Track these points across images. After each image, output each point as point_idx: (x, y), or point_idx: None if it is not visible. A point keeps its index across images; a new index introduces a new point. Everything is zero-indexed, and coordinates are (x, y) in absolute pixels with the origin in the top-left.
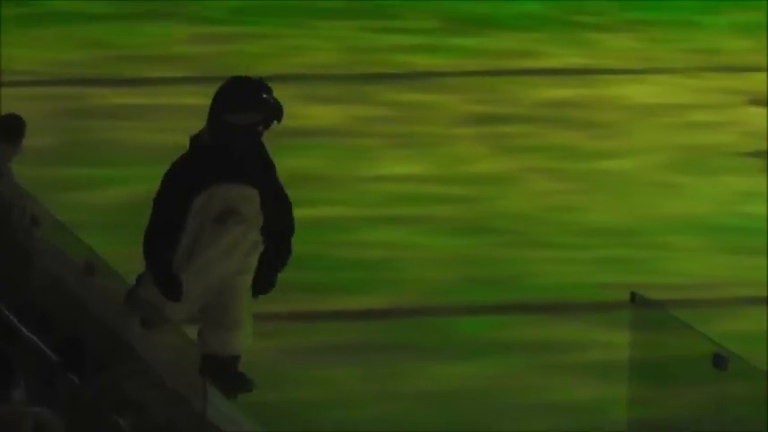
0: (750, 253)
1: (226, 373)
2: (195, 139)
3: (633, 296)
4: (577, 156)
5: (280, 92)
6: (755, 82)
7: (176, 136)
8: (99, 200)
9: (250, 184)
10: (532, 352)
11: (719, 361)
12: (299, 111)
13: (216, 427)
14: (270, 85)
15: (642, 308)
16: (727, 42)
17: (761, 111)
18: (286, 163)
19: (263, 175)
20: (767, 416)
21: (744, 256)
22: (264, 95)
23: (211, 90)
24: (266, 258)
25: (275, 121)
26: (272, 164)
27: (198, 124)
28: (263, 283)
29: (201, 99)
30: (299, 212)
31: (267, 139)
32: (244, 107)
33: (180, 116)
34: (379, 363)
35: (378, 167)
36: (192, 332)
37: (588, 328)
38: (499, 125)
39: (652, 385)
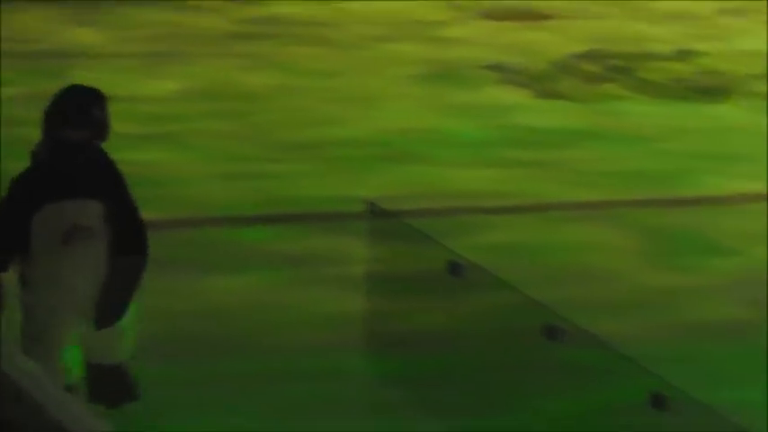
0: (502, 165)
1: (110, 381)
2: (34, 155)
3: (371, 207)
4: (325, 72)
5: (34, 14)
6: None
7: None
8: None
9: (91, 197)
10: (292, 265)
11: (455, 269)
12: (58, 33)
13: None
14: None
15: (380, 218)
16: None
17: (495, 24)
18: (44, 85)
19: (104, 187)
20: (502, 323)
21: (496, 168)
22: (92, 109)
23: None
24: (113, 282)
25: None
26: (119, 176)
27: None
28: (109, 311)
29: None
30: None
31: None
32: (70, 123)
33: None
34: (147, 278)
35: (138, 87)
36: None
37: (346, 240)
38: (249, 43)
39: (391, 295)
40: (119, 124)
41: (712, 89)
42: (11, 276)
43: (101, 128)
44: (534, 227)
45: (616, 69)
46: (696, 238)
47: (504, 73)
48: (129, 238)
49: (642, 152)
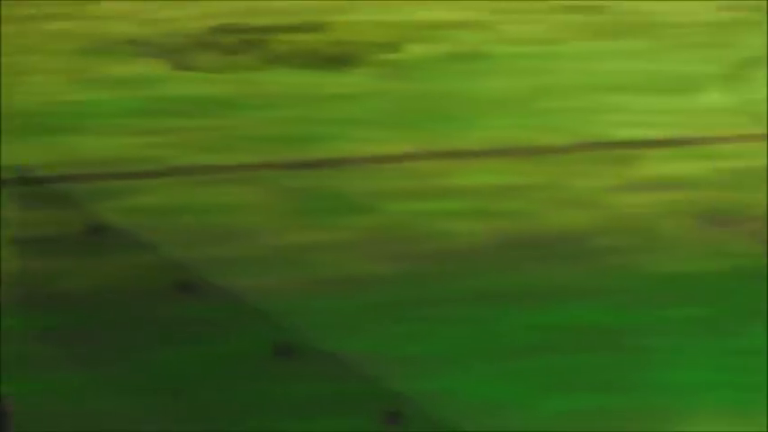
0: (144, 133)
1: None
2: None
3: (21, 174)
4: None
5: None
6: None
7: None
8: None
9: None
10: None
11: (97, 231)
12: None
13: None
14: None
15: (30, 185)
16: None
17: (140, 1)
18: None
19: None
20: (141, 281)
21: (139, 136)
22: None
23: None
24: None
25: None
26: None
27: None
28: None
29: None
30: None
31: None
32: None
33: None
34: None
35: None
36: None
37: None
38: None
39: (40, 257)
40: None
41: (341, 58)
42: None
43: None
44: (177, 190)
45: (250, 42)
46: (332, 197)
47: (145, 47)
48: None
49: (277, 119)
